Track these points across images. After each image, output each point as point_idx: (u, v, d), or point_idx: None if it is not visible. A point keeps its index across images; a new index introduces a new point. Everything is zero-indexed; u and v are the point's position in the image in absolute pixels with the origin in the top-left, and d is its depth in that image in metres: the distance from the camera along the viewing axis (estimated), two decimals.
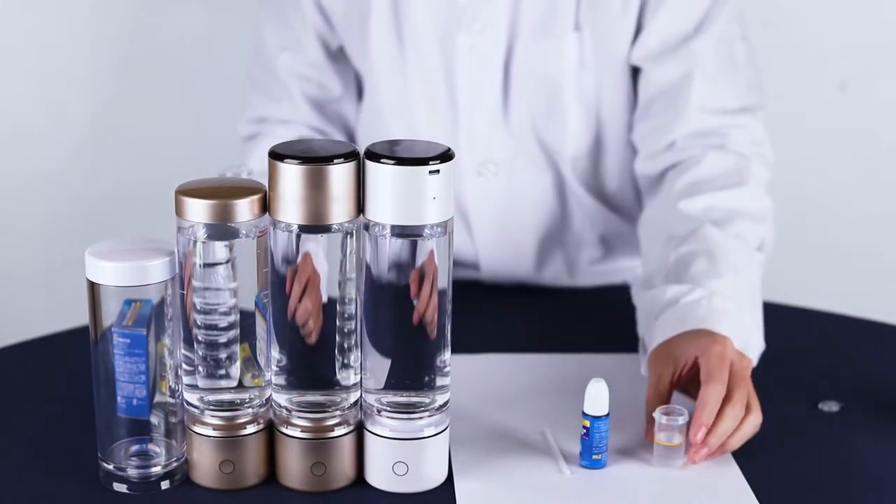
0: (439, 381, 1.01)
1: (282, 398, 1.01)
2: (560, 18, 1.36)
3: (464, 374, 1.21)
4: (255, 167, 1.28)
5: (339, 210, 0.96)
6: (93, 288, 0.98)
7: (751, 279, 1.25)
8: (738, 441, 1.08)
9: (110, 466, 1.02)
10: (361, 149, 0.98)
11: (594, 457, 1.06)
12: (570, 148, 1.43)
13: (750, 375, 1.12)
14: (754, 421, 1.09)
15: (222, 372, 1.01)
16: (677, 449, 1.07)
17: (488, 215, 1.47)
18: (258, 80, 1.51)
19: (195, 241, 0.97)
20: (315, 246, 0.98)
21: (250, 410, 1.02)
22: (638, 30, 1.37)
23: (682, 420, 1.06)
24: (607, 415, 1.05)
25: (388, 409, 1.01)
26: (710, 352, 1.11)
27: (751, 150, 1.35)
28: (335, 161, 0.95)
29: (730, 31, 1.37)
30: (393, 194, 0.95)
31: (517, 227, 1.48)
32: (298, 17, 1.45)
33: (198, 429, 1.02)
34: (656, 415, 1.07)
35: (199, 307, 0.99)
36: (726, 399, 1.08)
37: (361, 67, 1.46)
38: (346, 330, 1.00)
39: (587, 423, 1.05)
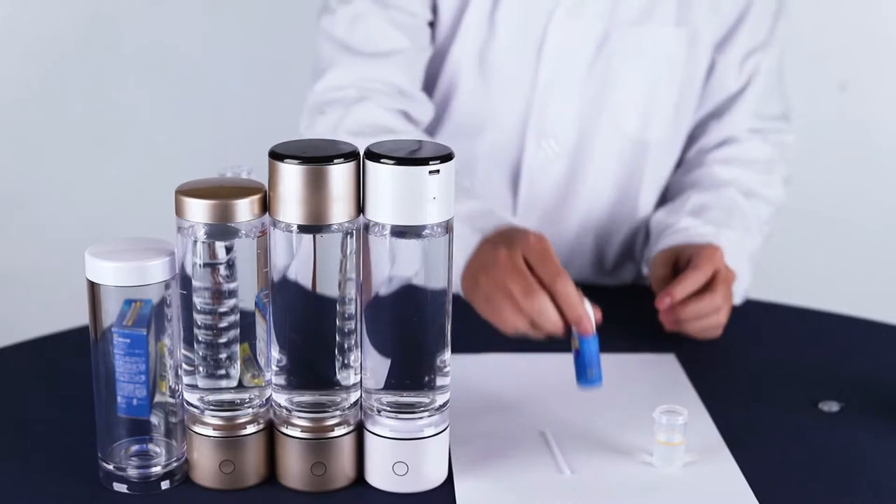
0: (439, 381, 1.01)
1: (282, 398, 1.02)
2: (660, 10, 1.41)
3: (464, 374, 1.21)
4: (365, 127, 1.33)
5: (339, 210, 0.96)
6: (93, 288, 0.98)
7: (755, 243, 1.43)
8: (696, 328, 1.28)
9: (110, 466, 1.02)
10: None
11: (588, 374, 1.07)
12: (653, 139, 1.48)
13: (730, 291, 1.30)
14: (713, 303, 1.26)
15: (222, 372, 1.01)
16: (677, 449, 1.07)
17: (539, 192, 1.49)
18: (351, 39, 1.42)
19: (195, 241, 0.97)
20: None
21: (250, 410, 1.02)
22: (726, 34, 1.46)
23: (681, 420, 1.06)
24: (596, 334, 1.13)
25: (388, 409, 1.01)
26: (703, 251, 1.30)
27: (783, 149, 1.52)
28: (335, 161, 0.95)
29: (783, 45, 1.50)
30: (393, 194, 0.95)
31: (564, 211, 1.50)
32: None
33: (198, 429, 1.02)
34: (656, 415, 1.07)
35: (199, 307, 0.99)
36: (708, 291, 1.27)
37: (447, 36, 1.44)
38: (346, 330, 1.00)
39: (576, 343, 1.10)
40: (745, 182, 1.47)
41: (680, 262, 1.34)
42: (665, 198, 1.55)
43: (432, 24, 1.46)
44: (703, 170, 1.49)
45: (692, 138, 1.53)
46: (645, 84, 1.46)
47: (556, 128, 1.46)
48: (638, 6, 1.42)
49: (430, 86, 1.48)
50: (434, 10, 1.44)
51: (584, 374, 1.11)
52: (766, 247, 1.49)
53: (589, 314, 1.15)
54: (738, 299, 1.38)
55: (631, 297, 1.49)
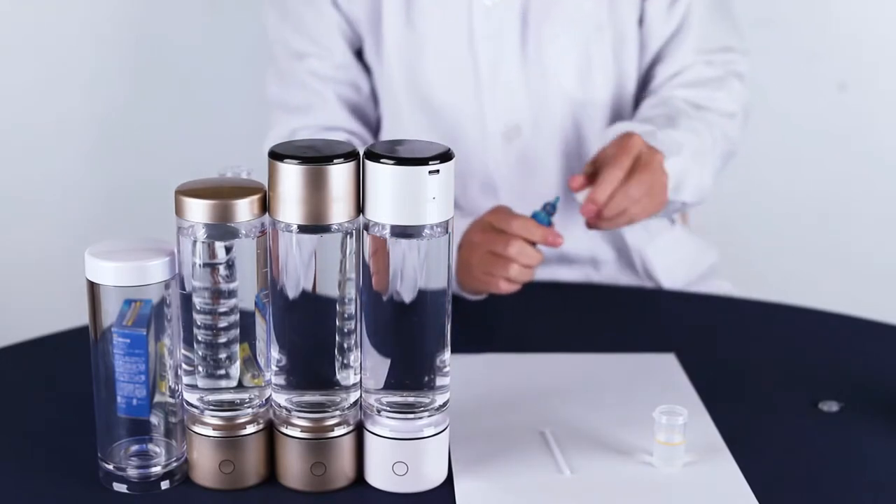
0: (439, 381, 1.01)
1: (282, 398, 1.02)
2: None
3: (464, 374, 1.21)
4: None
5: (339, 210, 0.96)
6: (93, 288, 0.98)
7: (703, 143, 1.40)
8: (614, 224, 1.30)
9: (110, 466, 1.02)
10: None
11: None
12: (600, 98, 1.48)
13: (657, 167, 1.30)
14: (614, 175, 1.27)
15: (222, 372, 1.01)
16: (677, 449, 1.07)
17: (514, 179, 1.49)
18: (281, 97, 1.50)
19: (195, 241, 0.97)
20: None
21: (250, 410, 1.02)
22: None
23: (681, 420, 1.06)
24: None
25: (388, 409, 1.01)
26: (620, 141, 1.30)
27: (733, 75, 1.50)
28: (335, 161, 0.95)
29: None
30: (393, 194, 0.95)
31: (540, 183, 1.50)
32: (317, 17, 1.45)
33: (198, 429, 1.02)
34: (656, 415, 1.07)
35: (199, 307, 0.99)
36: (624, 182, 1.27)
37: (375, 57, 1.47)
38: (346, 330, 1.00)
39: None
40: (692, 98, 1.46)
41: (599, 159, 1.32)
42: None
43: (360, 53, 1.48)
44: (652, 96, 1.48)
45: (641, 88, 1.52)
46: (577, 45, 1.45)
47: (512, 110, 1.46)
48: None
49: (376, 118, 1.52)
50: (358, 36, 1.46)
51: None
52: (766, 245, 1.49)
53: (546, 230, 1.28)
54: (676, 195, 1.37)
55: (631, 297, 1.49)
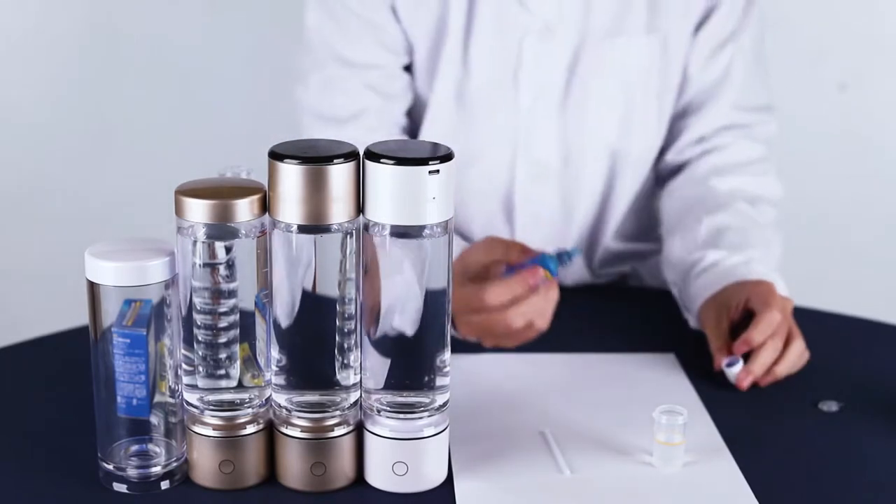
0: (439, 381, 1.01)
1: (282, 398, 1.01)
2: (631, 20, 1.39)
3: (464, 374, 1.21)
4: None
5: (339, 210, 0.96)
6: (93, 288, 0.98)
7: (776, 254, 1.40)
8: (784, 370, 1.22)
9: (110, 466, 1.02)
10: None
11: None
12: (637, 149, 1.47)
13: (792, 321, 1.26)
14: (796, 349, 1.22)
15: (222, 372, 1.01)
16: (677, 449, 1.07)
17: (538, 217, 1.48)
18: (325, 105, 1.44)
19: (195, 241, 0.97)
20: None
21: (250, 410, 1.02)
22: (695, 28, 1.43)
23: (681, 420, 1.06)
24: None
25: (388, 409, 1.01)
26: (759, 289, 1.26)
27: (770, 144, 1.48)
28: (335, 161, 0.95)
29: (759, 32, 1.46)
30: (393, 194, 0.95)
31: (564, 228, 1.49)
32: (374, 30, 1.41)
33: (198, 429, 1.02)
34: (656, 415, 1.07)
35: (199, 307, 0.99)
36: (785, 344, 1.22)
37: (426, 74, 1.43)
38: (346, 330, 1.00)
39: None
40: (746, 189, 1.43)
41: (731, 310, 1.27)
42: (649, 214, 1.55)
43: (409, 68, 1.45)
44: (701, 187, 1.44)
45: (670, 137, 1.49)
46: (621, 95, 1.43)
47: (543, 149, 1.44)
48: (609, 18, 1.40)
49: (414, 129, 1.48)
50: (410, 51, 1.43)
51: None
52: None
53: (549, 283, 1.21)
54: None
55: (630, 297, 1.49)
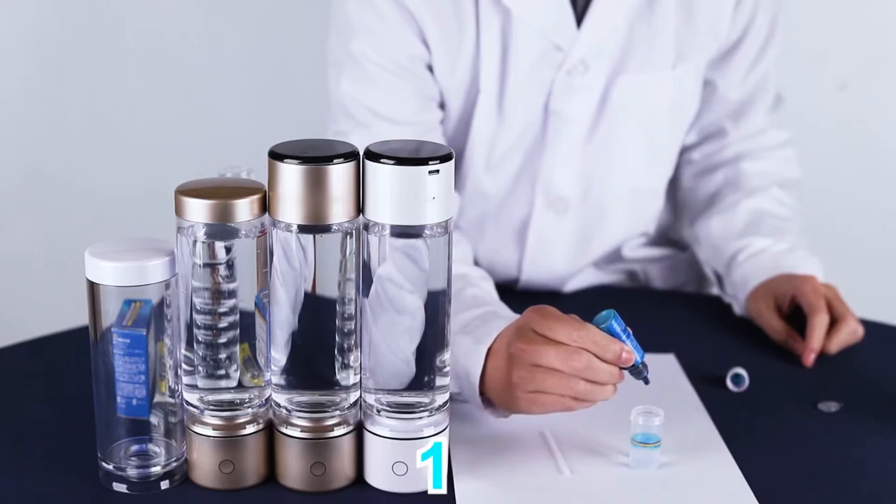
0: (439, 381, 1.01)
1: (281, 398, 1.01)
2: (659, 54, 1.38)
3: None
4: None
5: (339, 210, 0.96)
6: (93, 288, 0.98)
7: (805, 236, 1.46)
8: (836, 346, 1.30)
9: (110, 466, 1.02)
10: None
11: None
12: (658, 185, 1.48)
13: (843, 302, 1.34)
14: (849, 329, 1.31)
15: (222, 372, 1.01)
16: (653, 451, 1.06)
17: (550, 245, 1.46)
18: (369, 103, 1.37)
19: (195, 241, 0.97)
20: None
21: (250, 410, 1.02)
22: (725, 53, 1.44)
23: (657, 421, 1.06)
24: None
25: (388, 409, 1.01)
26: (805, 288, 1.33)
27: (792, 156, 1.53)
28: (335, 161, 0.95)
29: (779, 45, 1.48)
30: (393, 194, 0.95)
31: (575, 255, 1.48)
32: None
33: (197, 429, 1.02)
34: (633, 416, 1.07)
35: (199, 307, 0.99)
36: (836, 322, 1.31)
37: (455, 102, 1.39)
38: (346, 330, 1.00)
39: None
40: (777, 173, 1.48)
41: (781, 302, 1.36)
42: (661, 224, 1.56)
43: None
44: (731, 170, 1.48)
45: (696, 161, 1.51)
46: (646, 130, 1.42)
47: (564, 183, 1.42)
48: (641, 55, 1.38)
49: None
50: (441, 105, 1.40)
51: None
52: None
53: (623, 345, 1.06)
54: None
55: (630, 297, 1.49)
